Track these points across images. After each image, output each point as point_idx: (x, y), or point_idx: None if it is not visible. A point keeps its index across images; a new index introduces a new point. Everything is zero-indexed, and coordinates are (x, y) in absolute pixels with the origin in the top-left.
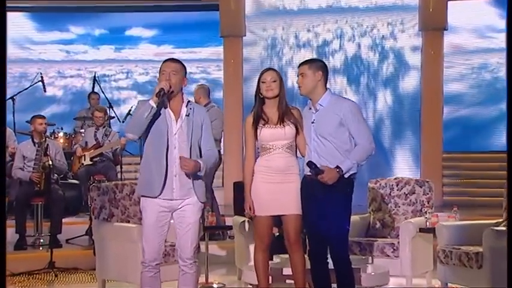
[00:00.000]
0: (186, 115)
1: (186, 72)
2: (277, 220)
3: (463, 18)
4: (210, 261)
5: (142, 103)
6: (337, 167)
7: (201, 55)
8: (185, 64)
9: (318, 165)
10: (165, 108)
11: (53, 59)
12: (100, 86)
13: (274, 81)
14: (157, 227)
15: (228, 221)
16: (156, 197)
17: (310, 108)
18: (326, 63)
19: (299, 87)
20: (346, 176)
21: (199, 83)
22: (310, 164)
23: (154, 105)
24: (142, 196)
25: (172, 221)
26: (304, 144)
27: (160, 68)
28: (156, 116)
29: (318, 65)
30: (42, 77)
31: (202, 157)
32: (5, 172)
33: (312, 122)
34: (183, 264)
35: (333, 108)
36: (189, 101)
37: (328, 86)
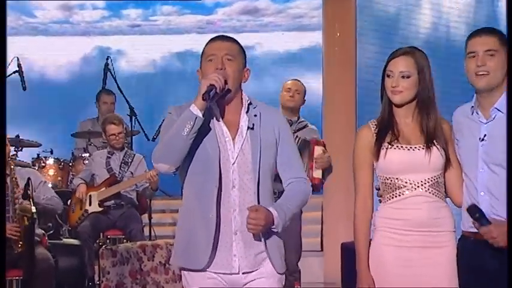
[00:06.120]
0: (249, 128)
1: (246, 59)
2: None
3: None
4: None
5: (175, 110)
6: None
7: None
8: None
9: (486, 215)
10: (214, 119)
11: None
12: (115, 80)
13: (407, 77)
14: None
15: None
16: (204, 270)
17: (472, 114)
18: None
19: (482, 74)
20: None
21: None
22: (474, 209)
23: (200, 114)
24: (183, 269)
25: None
26: (460, 180)
27: (204, 52)
28: (201, 133)
29: (503, 36)
30: (20, 65)
31: (280, 200)
32: (5, 172)
33: (482, 140)
34: None
35: None
36: (250, 103)
37: None
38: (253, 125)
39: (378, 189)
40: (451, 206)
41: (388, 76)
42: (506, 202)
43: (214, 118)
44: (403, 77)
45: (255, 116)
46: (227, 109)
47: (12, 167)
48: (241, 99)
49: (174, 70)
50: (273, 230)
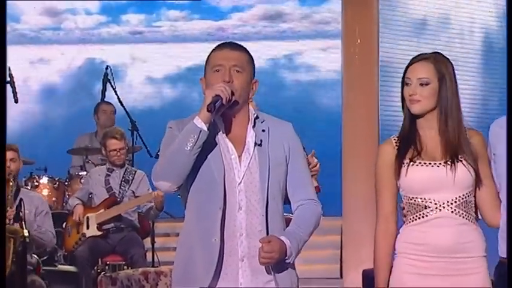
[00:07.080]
0: (256, 144)
1: (254, 69)
2: None
3: None
4: None
5: (176, 125)
6: None
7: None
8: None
9: None
10: (219, 134)
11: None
12: (116, 91)
13: (426, 84)
14: None
15: None
16: None
17: None
18: None
19: None
20: None
21: None
22: None
23: (205, 127)
24: None
25: None
26: (494, 198)
27: (209, 60)
28: (204, 149)
29: None
30: (11, 75)
31: (291, 226)
32: (5, 172)
33: None
34: None
35: None
36: (257, 117)
37: None
38: (261, 141)
39: (403, 208)
40: (484, 228)
41: (407, 84)
42: (506, 202)
43: (219, 133)
44: (421, 84)
45: (263, 131)
46: (232, 124)
47: (11, 183)
48: (248, 113)
49: (181, 80)
50: (286, 261)
